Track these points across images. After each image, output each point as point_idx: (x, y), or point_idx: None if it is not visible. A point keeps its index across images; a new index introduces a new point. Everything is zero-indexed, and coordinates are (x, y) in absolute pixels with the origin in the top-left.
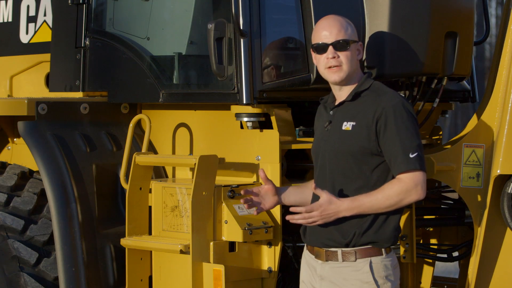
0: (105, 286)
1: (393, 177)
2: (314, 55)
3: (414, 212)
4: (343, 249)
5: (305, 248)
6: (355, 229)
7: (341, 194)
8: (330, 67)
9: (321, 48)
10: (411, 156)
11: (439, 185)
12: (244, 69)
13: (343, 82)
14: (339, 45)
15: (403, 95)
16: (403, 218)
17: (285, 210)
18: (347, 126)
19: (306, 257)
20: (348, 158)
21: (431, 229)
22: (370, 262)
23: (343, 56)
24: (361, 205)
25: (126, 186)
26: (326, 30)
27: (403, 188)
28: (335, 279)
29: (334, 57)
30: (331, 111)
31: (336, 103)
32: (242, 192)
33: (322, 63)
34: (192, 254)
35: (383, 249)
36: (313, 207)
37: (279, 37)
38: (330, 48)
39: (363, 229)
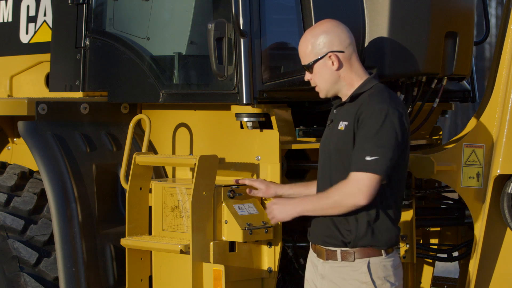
0: (105, 286)
1: (395, 175)
2: None
3: (414, 212)
4: (342, 248)
5: (310, 246)
6: (353, 232)
7: None
8: None
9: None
10: (367, 158)
11: (439, 185)
12: (244, 69)
13: (329, 95)
14: (308, 69)
15: (399, 110)
16: (403, 218)
17: None
18: (341, 126)
19: (310, 255)
20: (342, 157)
21: (431, 229)
22: (368, 263)
23: (314, 77)
24: (306, 203)
25: (126, 186)
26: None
27: (344, 189)
28: (335, 278)
29: (309, 80)
30: (335, 110)
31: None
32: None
33: None
34: (192, 254)
35: (382, 250)
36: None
37: (279, 37)
38: (306, 72)
39: (360, 233)
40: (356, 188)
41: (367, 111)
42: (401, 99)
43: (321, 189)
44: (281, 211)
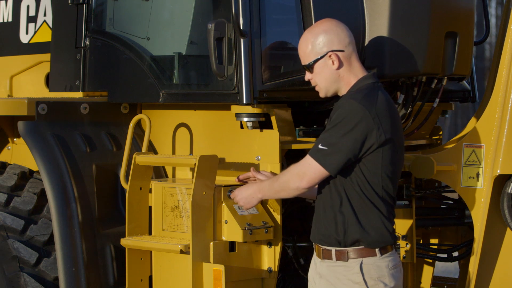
0: (105, 286)
1: (378, 173)
2: None
3: (414, 212)
4: (337, 248)
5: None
6: (342, 230)
7: (335, 187)
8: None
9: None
10: (319, 146)
11: (439, 185)
12: (244, 69)
13: (329, 95)
14: (308, 69)
15: (370, 109)
16: (403, 218)
17: (285, 210)
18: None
19: (314, 253)
20: None
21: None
22: (361, 263)
23: (314, 76)
24: (264, 188)
25: (126, 186)
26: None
27: (292, 169)
28: (330, 277)
29: (309, 80)
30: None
31: None
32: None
33: None
34: (192, 254)
35: (376, 250)
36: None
37: (279, 37)
38: (306, 71)
39: (348, 231)
40: (302, 171)
41: (336, 106)
42: (401, 99)
43: (320, 184)
44: (246, 202)
